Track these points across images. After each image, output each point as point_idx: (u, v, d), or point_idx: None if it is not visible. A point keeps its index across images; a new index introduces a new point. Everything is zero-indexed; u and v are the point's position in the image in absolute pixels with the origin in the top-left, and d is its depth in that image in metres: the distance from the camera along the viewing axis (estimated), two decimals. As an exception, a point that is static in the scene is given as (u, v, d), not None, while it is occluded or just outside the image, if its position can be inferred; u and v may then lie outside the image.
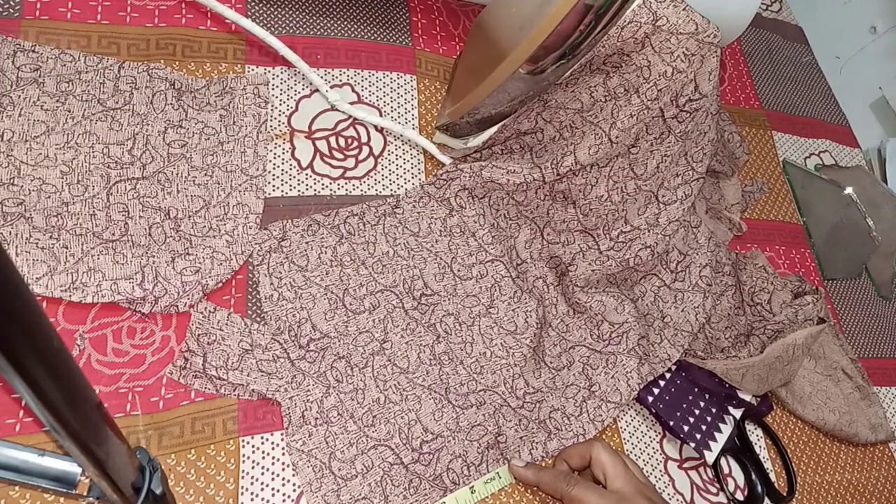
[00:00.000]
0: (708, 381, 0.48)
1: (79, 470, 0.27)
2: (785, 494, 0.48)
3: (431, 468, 0.41)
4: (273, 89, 0.48)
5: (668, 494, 0.46)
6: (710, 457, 0.47)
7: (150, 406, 0.38)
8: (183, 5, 0.48)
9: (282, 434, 0.39)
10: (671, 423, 0.46)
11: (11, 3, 0.44)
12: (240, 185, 0.44)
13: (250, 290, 0.42)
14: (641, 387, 0.46)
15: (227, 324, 0.40)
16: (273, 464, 0.39)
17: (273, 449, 0.39)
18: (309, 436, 0.39)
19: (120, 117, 0.43)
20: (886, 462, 0.56)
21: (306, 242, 0.44)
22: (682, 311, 0.48)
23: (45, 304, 0.38)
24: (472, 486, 0.41)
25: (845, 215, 0.65)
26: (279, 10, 0.51)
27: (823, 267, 0.63)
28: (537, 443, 0.43)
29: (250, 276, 0.43)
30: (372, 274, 0.45)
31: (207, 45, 0.47)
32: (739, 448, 0.49)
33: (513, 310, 0.47)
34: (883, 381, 0.59)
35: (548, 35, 0.39)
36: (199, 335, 0.39)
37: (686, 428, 0.47)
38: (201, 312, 0.40)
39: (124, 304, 0.39)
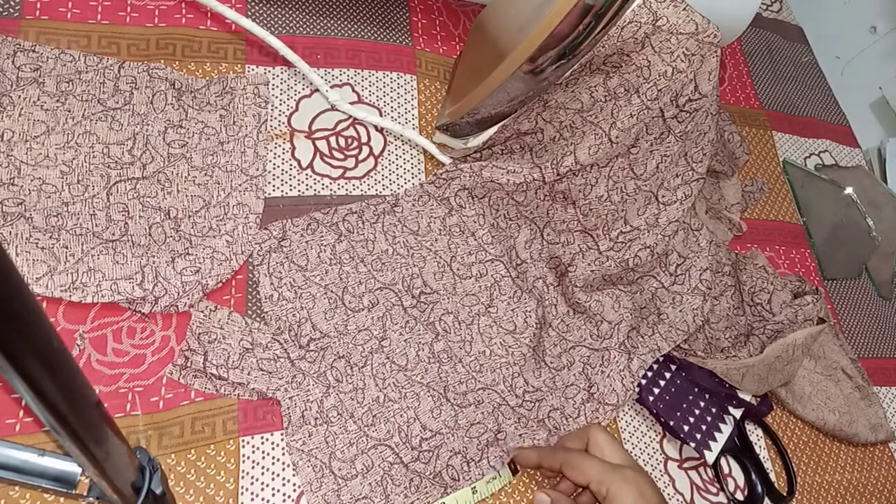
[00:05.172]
0: (708, 380, 0.48)
1: (79, 470, 0.27)
2: (785, 494, 0.48)
3: (431, 465, 0.41)
4: (273, 89, 0.48)
5: (669, 494, 0.46)
6: (710, 457, 0.47)
7: (150, 406, 0.38)
8: (183, 5, 0.48)
9: (282, 434, 0.39)
10: (671, 423, 0.47)
11: (11, 3, 0.44)
12: (240, 185, 0.44)
13: (250, 290, 0.42)
14: (635, 384, 0.46)
15: (227, 322, 0.40)
16: (273, 464, 0.39)
17: (273, 449, 0.39)
18: (309, 435, 0.39)
19: (120, 117, 0.43)
20: (886, 462, 0.56)
21: (306, 242, 0.44)
22: (680, 311, 0.48)
23: (45, 304, 0.38)
24: (474, 487, 0.41)
25: (845, 215, 0.65)
26: (279, 9, 0.51)
27: (823, 267, 0.63)
28: (538, 440, 0.43)
29: (250, 276, 0.43)
30: (371, 271, 0.45)
31: (207, 45, 0.47)
32: (739, 448, 0.49)
33: (512, 309, 0.47)
34: (883, 381, 0.59)
35: (547, 36, 0.39)
36: (199, 334, 0.39)
37: (686, 428, 0.47)
38: (202, 311, 0.40)
39: (124, 304, 0.39)
